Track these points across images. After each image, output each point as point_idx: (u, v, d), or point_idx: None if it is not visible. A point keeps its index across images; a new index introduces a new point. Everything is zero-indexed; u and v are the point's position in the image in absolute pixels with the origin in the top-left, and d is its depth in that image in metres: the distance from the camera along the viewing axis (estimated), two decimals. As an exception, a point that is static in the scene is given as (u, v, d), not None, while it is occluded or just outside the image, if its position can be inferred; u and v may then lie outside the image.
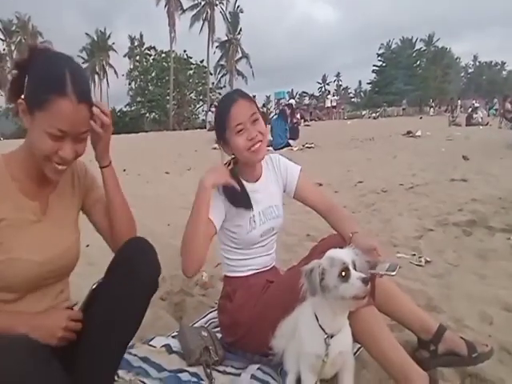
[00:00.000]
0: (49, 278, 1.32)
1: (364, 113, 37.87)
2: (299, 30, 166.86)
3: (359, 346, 1.67)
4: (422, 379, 1.41)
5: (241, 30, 49.63)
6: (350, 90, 73.36)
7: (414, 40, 56.47)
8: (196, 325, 2.05)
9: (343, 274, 1.28)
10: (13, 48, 44.17)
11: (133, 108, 45.68)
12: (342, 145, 11.69)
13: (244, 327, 1.71)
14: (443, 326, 1.72)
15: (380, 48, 56.48)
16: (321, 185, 6.07)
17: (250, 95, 1.80)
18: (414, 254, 2.98)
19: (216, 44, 48.50)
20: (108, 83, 60.78)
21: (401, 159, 8.32)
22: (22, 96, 1.22)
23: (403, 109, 35.69)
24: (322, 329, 1.37)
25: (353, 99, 67.73)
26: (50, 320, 1.25)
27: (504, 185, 5.08)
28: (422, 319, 1.73)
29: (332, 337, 1.36)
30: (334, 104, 29.30)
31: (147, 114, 45.71)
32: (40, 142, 1.19)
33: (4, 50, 43.54)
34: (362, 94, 68.73)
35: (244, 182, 1.80)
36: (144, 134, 18.81)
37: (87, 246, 2.72)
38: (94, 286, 1.40)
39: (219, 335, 1.89)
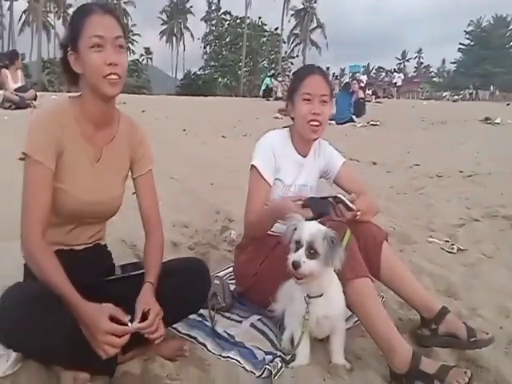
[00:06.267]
0: (90, 217, 1.52)
1: (445, 94, 35.27)
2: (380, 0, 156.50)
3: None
4: (405, 351, 1.46)
5: (317, -2, 47.85)
6: (431, 69, 68.47)
7: (508, 19, 50.96)
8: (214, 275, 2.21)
9: (296, 245, 1.42)
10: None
11: (206, 72, 46.40)
12: (409, 125, 11.13)
13: (250, 279, 1.85)
14: (446, 308, 1.73)
15: (469, 25, 51.93)
16: (374, 163, 5.94)
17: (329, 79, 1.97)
18: (448, 241, 2.90)
19: (291, 12, 47.23)
20: (184, 46, 62.20)
21: (469, 146, 7.80)
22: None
23: (491, 93, 32.65)
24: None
25: (434, 79, 63.22)
26: (92, 318, 1.24)
27: None
28: (425, 299, 1.76)
29: (310, 297, 1.48)
30: (400, 83, 27.36)
31: (219, 79, 46.22)
32: (90, 61, 1.35)
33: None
34: (444, 73, 63.96)
35: (295, 152, 1.94)
36: (212, 98, 19.16)
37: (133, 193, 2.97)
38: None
39: (233, 287, 2.04)
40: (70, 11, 48.07)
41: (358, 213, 1.68)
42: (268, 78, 19.82)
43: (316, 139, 1.94)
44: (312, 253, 1.40)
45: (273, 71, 22.17)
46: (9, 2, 47.45)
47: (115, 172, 1.55)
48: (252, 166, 1.88)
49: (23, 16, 51.02)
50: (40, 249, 1.31)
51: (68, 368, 1.30)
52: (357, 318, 1.78)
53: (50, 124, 1.38)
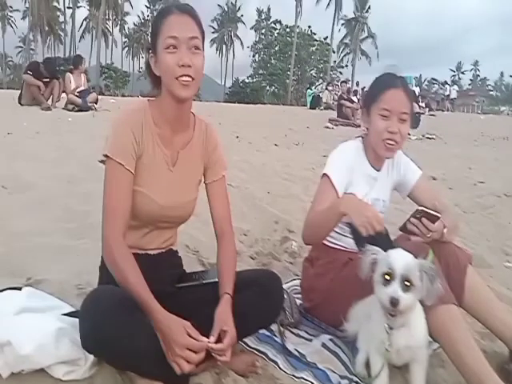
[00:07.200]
0: (164, 221, 1.50)
1: (503, 109, 33.54)
2: (433, 9, 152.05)
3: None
4: (500, 389, 1.31)
5: (369, 7, 47.04)
6: (488, 82, 65.41)
7: None
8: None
9: (386, 277, 1.28)
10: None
11: (254, 80, 46.91)
12: (468, 140, 10.62)
13: (320, 295, 1.76)
14: (542, 343, 1.56)
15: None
16: (434, 179, 5.65)
17: (413, 93, 1.81)
18: (528, 267, 2.67)
19: (342, 21, 46.86)
20: (234, 54, 63.44)
21: (537, 164, 7.28)
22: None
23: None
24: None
25: (491, 92, 60.35)
26: (171, 330, 1.20)
27: None
28: (516, 330, 1.59)
29: (392, 328, 1.36)
30: (454, 96, 26.18)
31: (267, 87, 46.57)
32: (164, 62, 1.34)
33: (148, 16, 47.95)
34: (502, 87, 60.95)
35: (368, 165, 1.85)
36: (260, 106, 19.30)
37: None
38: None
39: (299, 302, 1.96)
40: (127, 19, 50.48)
41: (445, 230, 1.56)
42: (309, 90, 19.62)
43: (389, 158, 1.83)
44: (407, 286, 1.28)
45: (312, 83, 21.99)
46: (71, 10, 50.51)
47: (190, 177, 1.53)
48: (324, 174, 1.79)
49: (84, 23, 54.12)
50: (122, 253, 1.30)
51: (144, 376, 1.27)
52: (436, 346, 1.66)
53: (130, 126, 1.38)
